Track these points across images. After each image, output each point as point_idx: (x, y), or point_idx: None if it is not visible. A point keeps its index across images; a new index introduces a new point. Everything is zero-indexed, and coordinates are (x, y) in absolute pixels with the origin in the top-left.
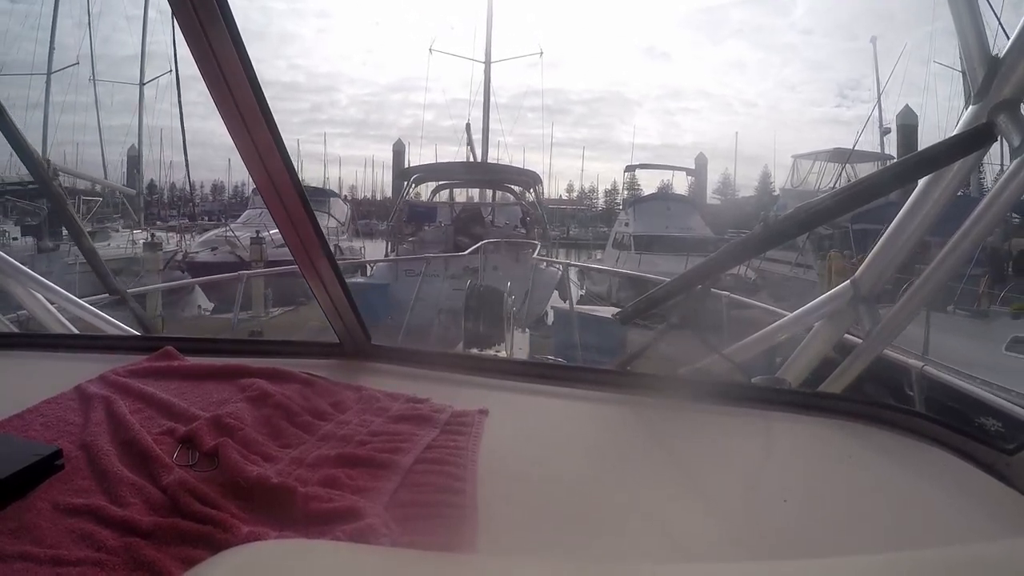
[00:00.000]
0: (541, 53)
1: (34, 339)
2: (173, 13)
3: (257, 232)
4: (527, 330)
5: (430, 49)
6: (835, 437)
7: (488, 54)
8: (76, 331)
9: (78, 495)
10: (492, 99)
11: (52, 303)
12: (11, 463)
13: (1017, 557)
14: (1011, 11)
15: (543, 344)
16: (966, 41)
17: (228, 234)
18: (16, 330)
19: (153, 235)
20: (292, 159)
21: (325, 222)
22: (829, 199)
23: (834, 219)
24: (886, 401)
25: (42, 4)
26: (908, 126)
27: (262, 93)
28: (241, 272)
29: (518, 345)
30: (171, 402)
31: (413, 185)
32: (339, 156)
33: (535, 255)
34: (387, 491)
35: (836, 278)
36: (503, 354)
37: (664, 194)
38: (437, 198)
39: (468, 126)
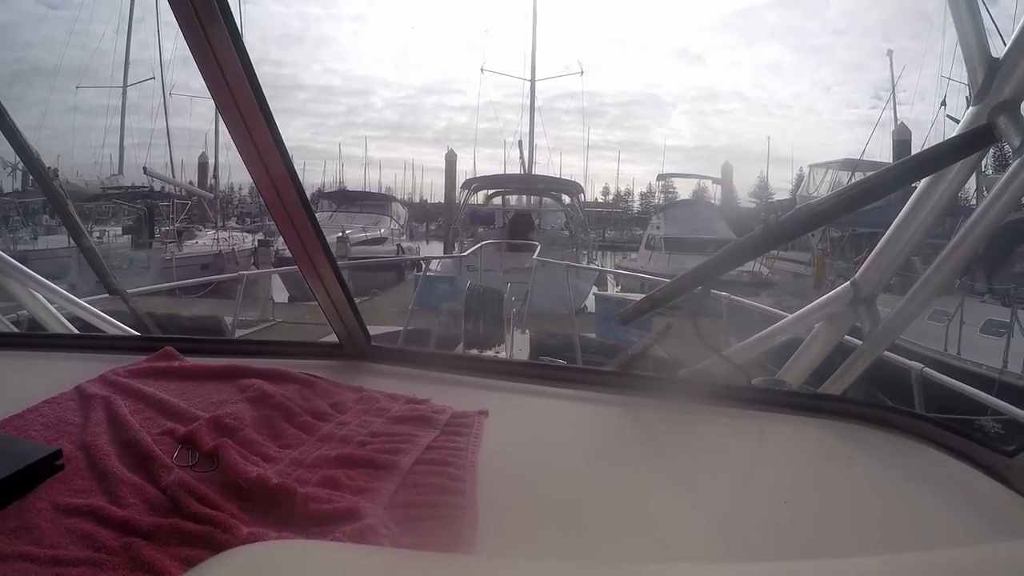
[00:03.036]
0: (582, 72)
1: (34, 339)
2: (173, 13)
3: (343, 231)
4: (527, 331)
5: (481, 69)
6: (835, 439)
7: (533, 72)
8: (76, 331)
9: (78, 495)
10: (526, 101)
11: (52, 303)
12: (11, 463)
13: (1017, 559)
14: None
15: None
16: (966, 42)
17: None
18: (16, 330)
19: (266, 235)
20: (333, 163)
21: (388, 224)
22: (830, 200)
23: (834, 221)
24: (886, 403)
25: (79, 10)
26: (903, 142)
27: (262, 93)
28: (241, 273)
29: (518, 346)
30: (171, 402)
31: (466, 191)
32: (379, 159)
33: (535, 256)
34: (387, 492)
35: (818, 271)
36: (503, 355)
37: (691, 200)
38: (490, 204)
39: (520, 143)
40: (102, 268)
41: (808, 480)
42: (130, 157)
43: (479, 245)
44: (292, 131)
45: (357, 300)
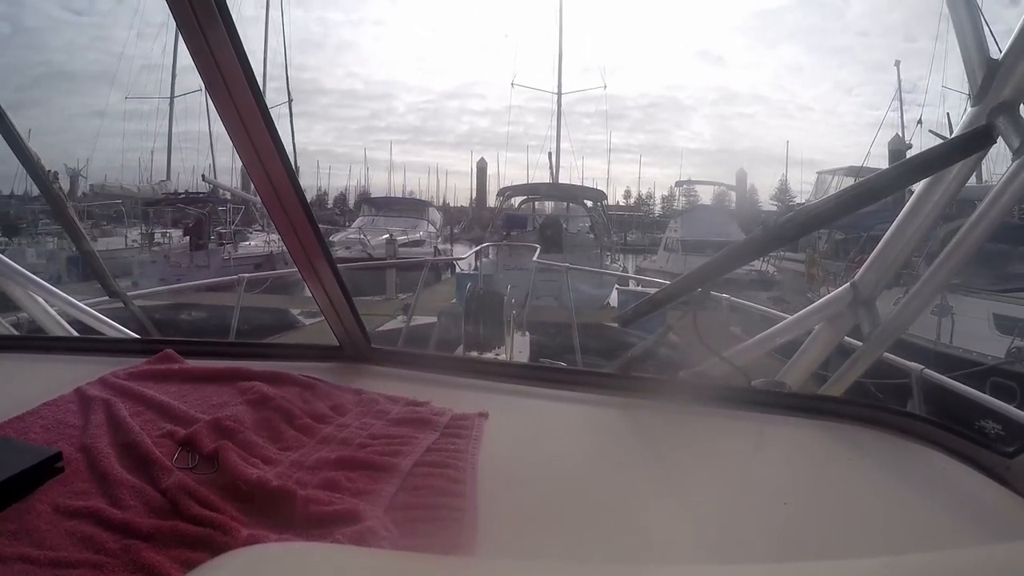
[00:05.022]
0: (605, 86)
1: (34, 341)
2: (172, 14)
3: (390, 234)
4: (527, 333)
5: (511, 83)
6: (835, 440)
7: (559, 86)
8: (76, 333)
9: (78, 497)
10: (546, 105)
11: (52, 305)
12: (11, 466)
13: (1017, 561)
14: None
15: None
16: (965, 43)
17: (362, 236)
18: (16, 332)
19: (332, 236)
20: (357, 167)
21: (425, 228)
22: (830, 201)
23: (834, 222)
24: (886, 404)
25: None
26: (898, 151)
27: (261, 96)
28: (241, 275)
29: (518, 348)
30: (171, 405)
31: (501, 198)
32: (402, 163)
33: (535, 258)
34: (387, 494)
35: (810, 270)
36: (503, 357)
37: (706, 205)
38: (521, 209)
39: (550, 154)
40: (102, 271)
41: (808, 482)
42: (160, 161)
43: (480, 247)
44: (315, 135)
45: (402, 296)
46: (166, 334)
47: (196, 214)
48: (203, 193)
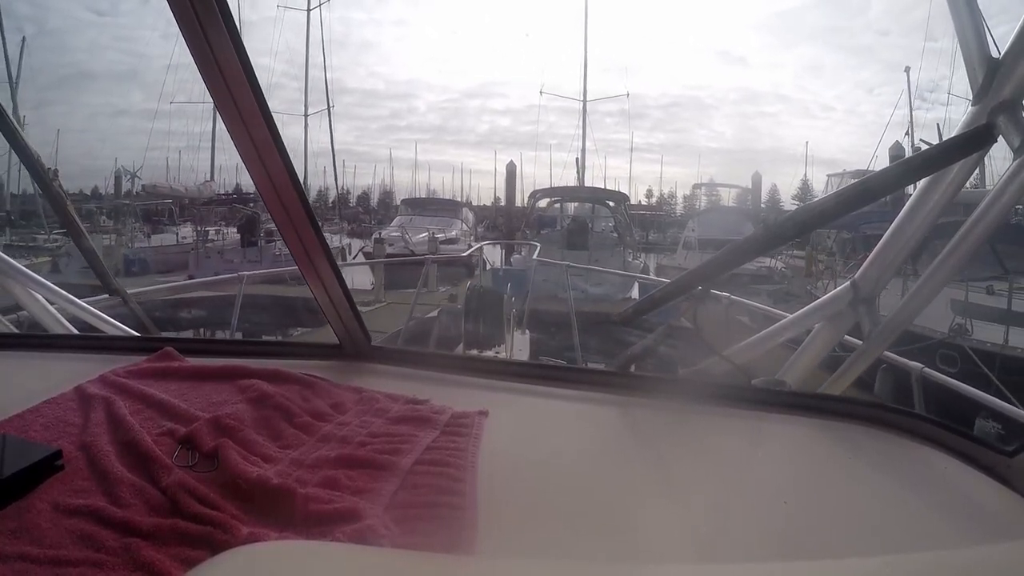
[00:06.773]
0: (628, 94)
1: (34, 340)
2: (173, 14)
3: (432, 233)
4: (527, 331)
5: (540, 91)
6: (835, 439)
7: (584, 94)
8: (76, 331)
9: (78, 496)
10: (568, 104)
11: (52, 303)
12: (11, 463)
13: (1017, 560)
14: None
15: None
16: (966, 42)
17: (403, 234)
18: (16, 330)
19: (380, 232)
20: (381, 166)
21: (459, 226)
22: (831, 200)
23: (834, 220)
24: (886, 403)
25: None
26: (897, 157)
27: (261, 93)
28: (241, 273)
29: (518, 346)
30: (171, 403)
31: (532, 200)
32: (427, 162)
33: (535, 256)
34: (387, 492)
35: (808, 265)
36: (503, 355)
37: (721, 207)
38: (551, 209)
39: (577, 159)
40: (102, 268)
41: (808, 480)
42: (187, 161)
43: (479, 245)
44: (337, 134)
45: (442, 289)
46: (195, 322)
47: (247, 212)
48: (252, 192)
